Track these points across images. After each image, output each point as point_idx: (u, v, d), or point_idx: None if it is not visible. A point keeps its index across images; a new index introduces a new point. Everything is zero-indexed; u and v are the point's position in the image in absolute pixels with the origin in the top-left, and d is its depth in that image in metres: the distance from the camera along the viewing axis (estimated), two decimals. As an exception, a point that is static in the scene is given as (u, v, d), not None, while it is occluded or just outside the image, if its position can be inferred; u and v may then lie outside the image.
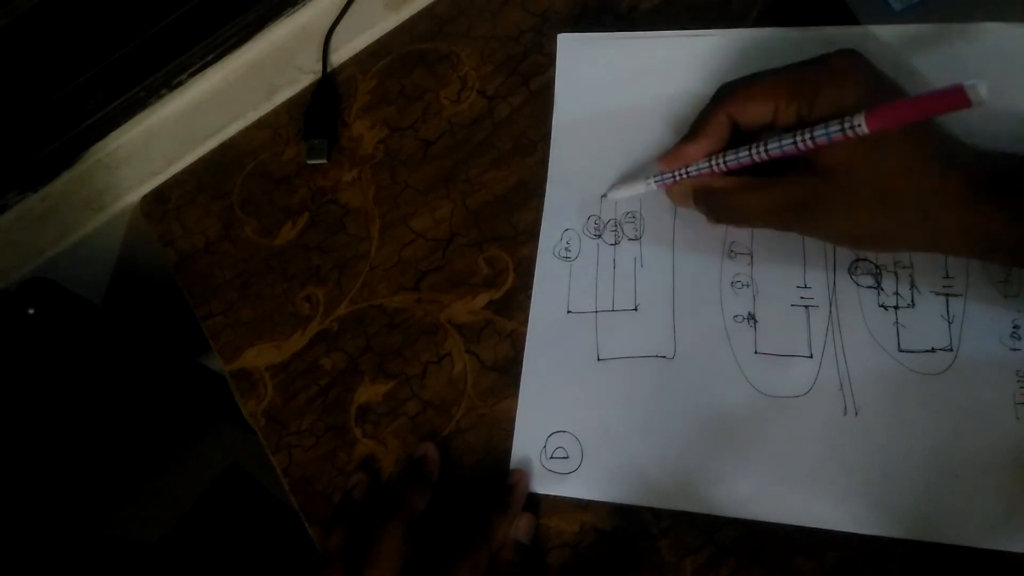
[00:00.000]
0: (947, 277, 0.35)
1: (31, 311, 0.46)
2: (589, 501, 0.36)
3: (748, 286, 0.38)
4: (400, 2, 0.48)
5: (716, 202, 0.35)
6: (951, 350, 0.35)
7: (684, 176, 0.36)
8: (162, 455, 0.94)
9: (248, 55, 0.49)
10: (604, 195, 0.41)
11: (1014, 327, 0.34)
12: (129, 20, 0.46)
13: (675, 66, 0.41)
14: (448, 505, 0.37)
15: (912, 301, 0.36)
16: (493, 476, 0.38)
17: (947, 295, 0.35)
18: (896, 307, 0.36)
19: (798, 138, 0.31)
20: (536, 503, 0.37)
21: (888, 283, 0.36)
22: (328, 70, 0.48)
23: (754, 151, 0.33)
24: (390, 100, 0.46)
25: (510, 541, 0.35)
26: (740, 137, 0.34)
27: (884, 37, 0.38)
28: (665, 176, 0.37)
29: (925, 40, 0.38)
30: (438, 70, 0.46)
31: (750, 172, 0.34)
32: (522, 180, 0.43)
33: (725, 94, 0.34)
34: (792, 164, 0.32)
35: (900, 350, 0.35)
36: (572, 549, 0.36)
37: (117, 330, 0.57)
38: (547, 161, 0.42)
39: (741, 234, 0.38)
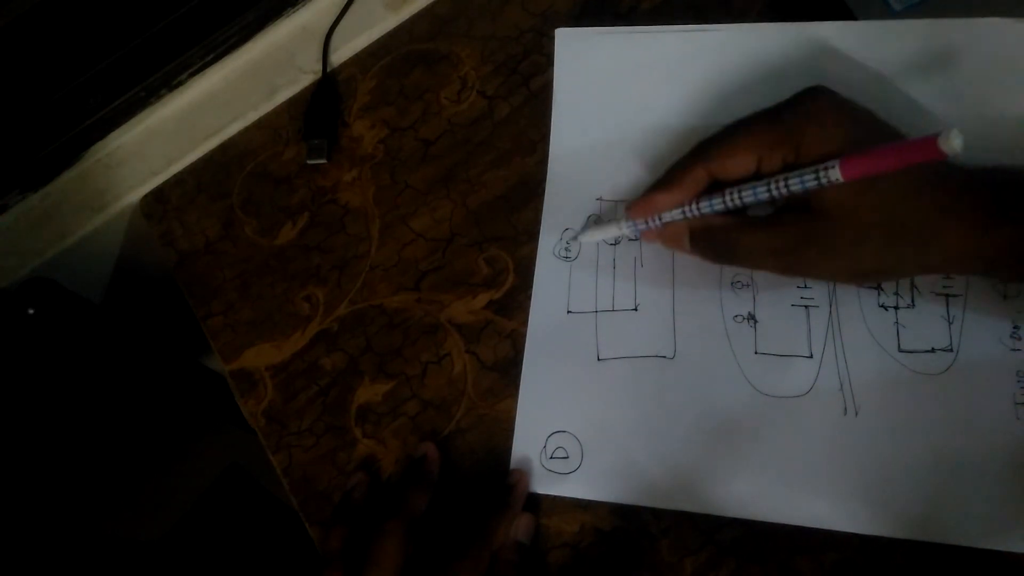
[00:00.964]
0: (947, 278, 0.35)
1: (31, 311, 0.46)
2: (589, 501, 0.36)
3: (748, 286, 0.38)
4: (400, 2, 0.48)
5: (717, 241, 0.34)
6: (951, 350, 0.35)
7: (657, 224, 0.35)
8: (162, 455, 0.93)
9: (248, 55, 0.49)
10: (574, 238, 0.40)
11: (1014, 327, 0.34)
12: (129, 20, 0.46)
13: (675, 62, 0.41)
14: (448, 505, 0.38)
15: (912, 301, 0.36)
16: (493, 476, 0.38)
17: (947, 295, 0.35)
18: (896, 307, 0.36)
19: (772, 187, 0.31)
20: (536, 503, 0.37)
21: (888, 283, 0.36)
22: (328, 70, 0.48)
23: (728, 198, 0.32)
24: (390, 100, 0.46)
25: (510, 541, 0.35)
26: (717, 184, 0.34)
27: (885, 33, 0.38)
28: (639, 224, 0.36)
29: (925, 36, 0.38)
30: (438, 70, 0.46)
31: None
32: (522, 180, 0.43)
33: (706, 149, 0.33)
34: (789, 206, 0.32)
35: (900, 350, 0.35)
36: (572, 549, 0.36)
37: (117, 330, 0.57)
38: (547, 160, 0.42)
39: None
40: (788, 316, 0.37)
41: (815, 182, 0.29)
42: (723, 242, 0.34)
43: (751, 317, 0.37)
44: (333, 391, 0.42)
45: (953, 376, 0.34)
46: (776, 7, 0.42)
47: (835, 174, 0.29)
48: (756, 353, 0.37)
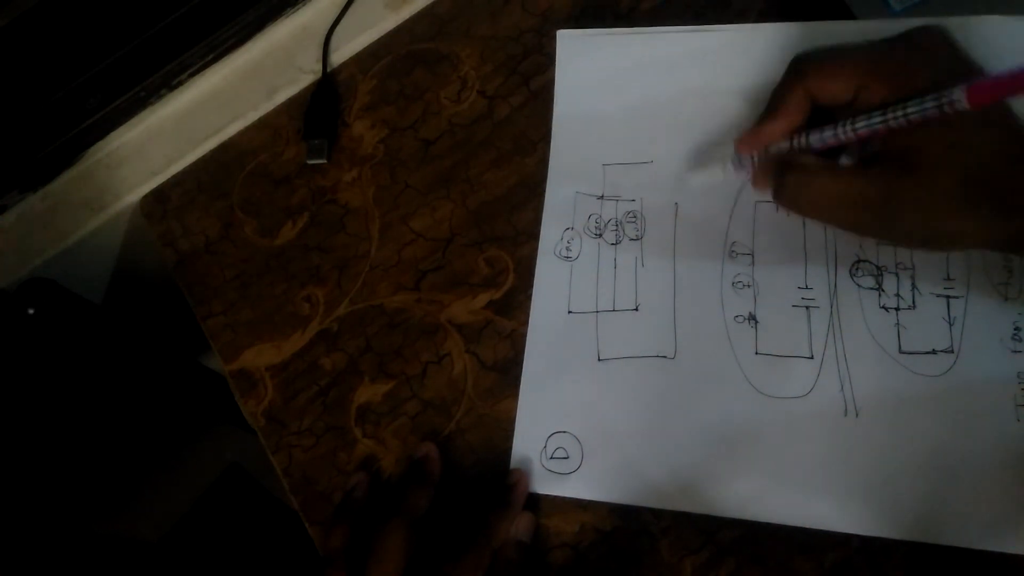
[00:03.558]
0: (948, 279, 0.35)
1: (31, 311, 0.46)
2: (589, 501, 0.36)
3: (749, 286, 0.37)
4: (400, 2, 0.48)
5: (794, 181, 0.32)
6: (952, 352, 0.35)
7: (763, 158, 0.34)
8: (162, 455, 0.93)
9: (248, 55, 0.49)
10: (683, 178, 0.39)
11: (1015, 329, 0.34)
12: (129, 20, 0.46)
13: (675, 63, 0.41)
14: (449, 505, 0.37)
15: (913, 302, 0.36)
16: (493, 476, 0.38)
17: (948, 297, 0.35)
18: (897, 308, 0.36)
19: (890, 115, 0.29)
20: (536, 503, 0.37)
21: (889, 284, 0.36)
22: (328, 70, 0.48)
23: (840, 129, 0.31)
24: (390, 100, 0.46)
25: (511, 540, 0.35)
26: (813, 117, 0.33)
27: (885, 32, 0.38)
28: (744, 159, 0.35)
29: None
30: (438, 70, 0.46)
31: None
32: (522, 180, 0.43)
33: (804, 68, 0.32)
34: (873, 159, 0.31)
35: (901, 351, 0.35)
36: (572, 549, 0.36)
37: (117, 330, 0.57)
38: (547, 161, 0.42)
39: (742, 234, 0.38)
40: (789, 317, 0.37)
41: (937, 109, 0.28)
42: (804, 182, 0.32)
43: (752, 317, 0.37)
44: (333, 391, 0.41)
45: (954, 377, 0.34)
46: (776, 6, 0.42)
47: (961, 99, 0.27)
48: (757, 354, 0.36)
